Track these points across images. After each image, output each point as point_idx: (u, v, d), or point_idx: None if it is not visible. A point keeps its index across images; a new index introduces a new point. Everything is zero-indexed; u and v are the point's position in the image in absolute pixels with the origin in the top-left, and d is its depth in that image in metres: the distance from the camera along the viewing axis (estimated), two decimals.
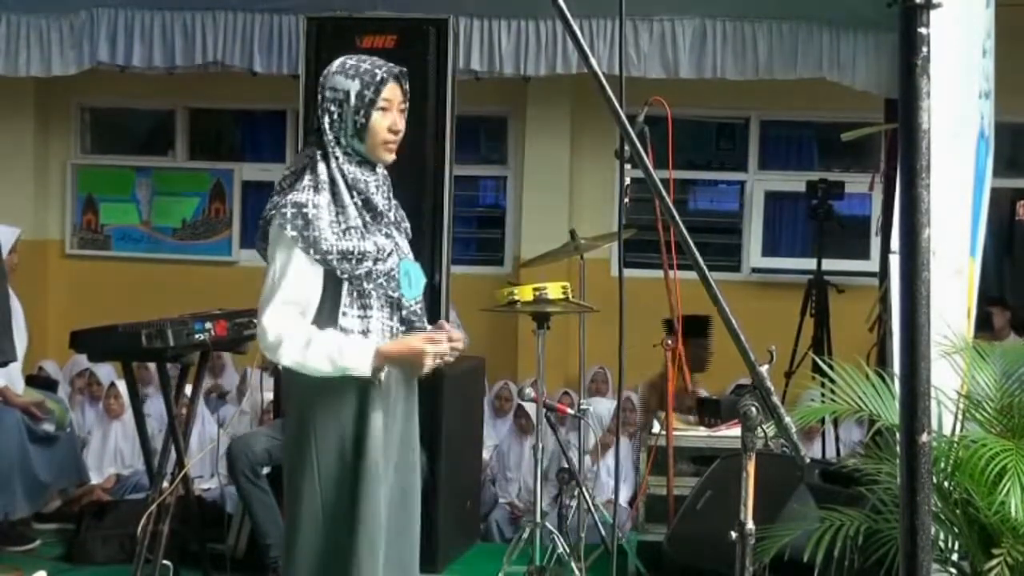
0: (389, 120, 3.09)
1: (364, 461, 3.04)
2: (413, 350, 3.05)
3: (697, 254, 2.05)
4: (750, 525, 2.23)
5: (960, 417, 3.81)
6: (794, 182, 8.13)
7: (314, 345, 2.99)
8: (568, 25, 1.94)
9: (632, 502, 6.03)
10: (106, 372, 7.09)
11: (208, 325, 4.54)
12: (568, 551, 5.00)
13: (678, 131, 4.74)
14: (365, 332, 3.05)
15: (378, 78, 3.08)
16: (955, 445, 3.64)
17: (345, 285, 3.03)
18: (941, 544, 3.72)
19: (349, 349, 3.00)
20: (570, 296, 4.82)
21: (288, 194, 3.03)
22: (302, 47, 5.87)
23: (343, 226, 3.02)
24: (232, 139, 9.82)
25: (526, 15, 6.42)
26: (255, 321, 4.74)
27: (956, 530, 3.69)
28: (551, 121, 8.41)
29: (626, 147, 3.87)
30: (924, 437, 1.60)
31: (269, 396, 6.07)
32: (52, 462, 5.93)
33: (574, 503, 5.45)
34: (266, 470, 5.14)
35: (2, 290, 4.48)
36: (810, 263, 7.34)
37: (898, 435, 1.67)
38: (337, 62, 3.15)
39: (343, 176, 3.06)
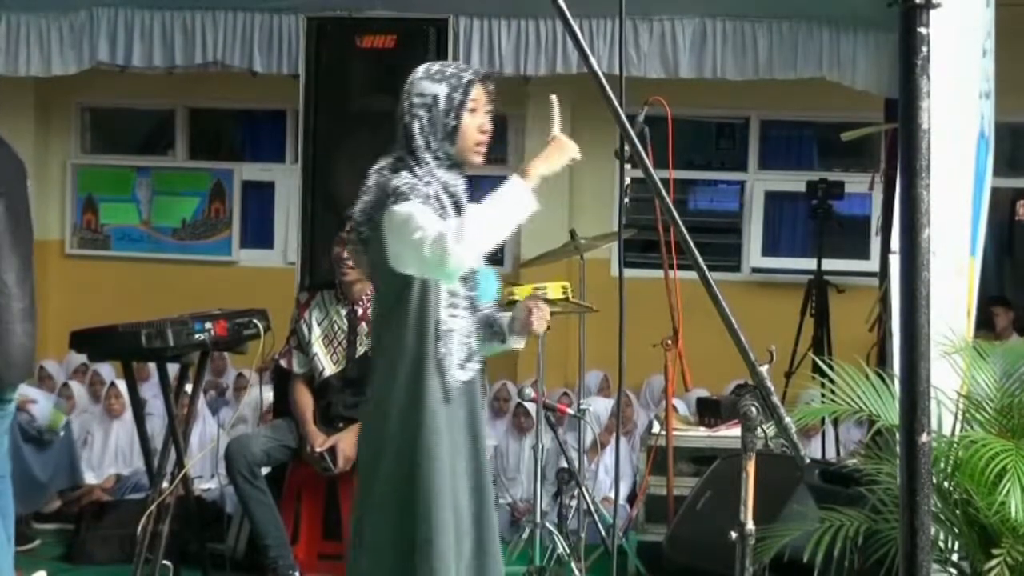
0: (479, 121, 3.14)
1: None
2: (560, 155, 3.12)
3: (697, 254, 2.06)
4: (750, 525, 2.23)
5: (960, 417, 3.81)
6: (794, 182, 8.12)
7: (473, 226, 2.93)
8: (568, 25, 1.94)
9: (631, 501, 6.02)
10: (106, 372, 7.08)
11: (208, 325, 4.54)
12: (568, 551, 5.00)
13: (678, 131, 4.73)
14: (450, 331, 3.06)
15: (465, 80, 3.10)
16: (955, 445, 3.64)
17: (434, 281, 3.02)
18: (941, 544, 3.72)
19: (505, 200, 3.03)
20: (570, 296, 4.81)
21: (391, 183, 3.01)
22: (302, 47, 5.87)
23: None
24: (232, 139, 9.82)
25: (526, 15, 6.40)
26: (255, 321, 4.81)
27: (956, 530, 3.69)
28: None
29: (626, 147, 3.86)
30: (924, 437, 1.60)
31: (269, 396, 6.06)
32: (47, 462, 5.92)
33: (574, 503, 5.45)
34: (265, 470, 5.13)
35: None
36: (810, 263, 7.34)
37: (898, 435, 1.67)
38: (421, 68, 3.15)
39: (436, 179, 3.08)
